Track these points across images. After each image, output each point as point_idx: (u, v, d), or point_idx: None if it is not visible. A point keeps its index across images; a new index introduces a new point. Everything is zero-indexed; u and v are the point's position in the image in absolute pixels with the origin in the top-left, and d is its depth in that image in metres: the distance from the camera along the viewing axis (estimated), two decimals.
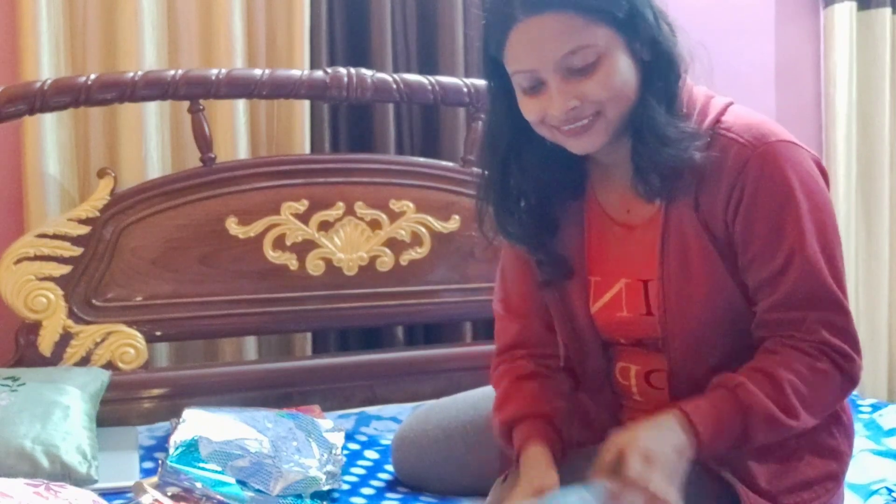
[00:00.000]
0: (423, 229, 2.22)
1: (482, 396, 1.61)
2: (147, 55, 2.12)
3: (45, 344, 1.95)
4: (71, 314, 1.97)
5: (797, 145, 1.23)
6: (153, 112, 2.15)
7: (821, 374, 1.18)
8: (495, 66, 1.25)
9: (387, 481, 1.66)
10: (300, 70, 2.13)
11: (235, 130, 2.20)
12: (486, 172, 1.32)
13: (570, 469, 1.25)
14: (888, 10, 2.84)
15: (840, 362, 1.19)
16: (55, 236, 1.96)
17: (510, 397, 1.33)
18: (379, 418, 1.96)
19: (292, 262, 2.12)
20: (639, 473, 1.08)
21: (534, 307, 1.39)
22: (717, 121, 1.24)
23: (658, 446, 1.11)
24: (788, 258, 1.19)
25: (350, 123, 2.36)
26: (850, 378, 1.21)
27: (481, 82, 2.20)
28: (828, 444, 1.30)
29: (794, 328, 1.20)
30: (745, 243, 1.21)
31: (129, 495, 1.47)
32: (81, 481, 1.55)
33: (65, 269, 1.96)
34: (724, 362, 1.24)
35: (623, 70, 1.20)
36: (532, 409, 1.29)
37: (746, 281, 1.22)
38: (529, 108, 1.23)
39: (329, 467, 1.57)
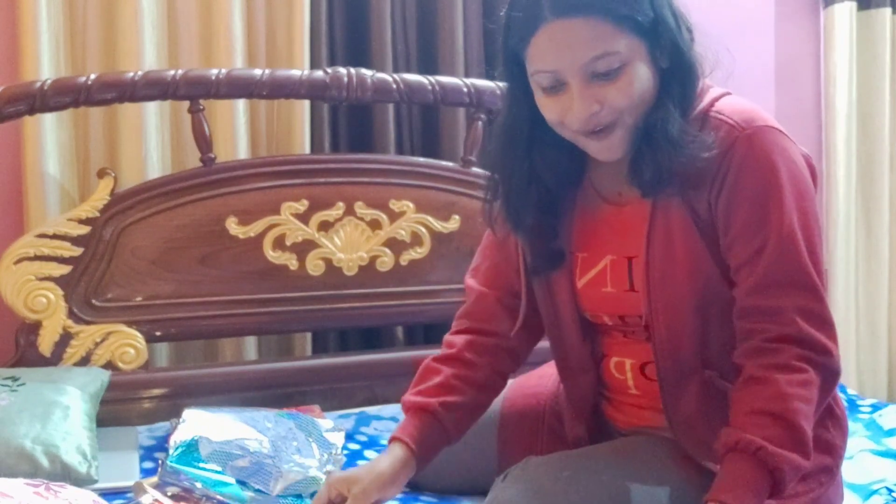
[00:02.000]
0: (423, 229, 2.22)
1: None
2: (147, 55, 2.12)
3: (45, 344, 1.95)
4: (71, 314, 1.97)
5: (785, 134, 1.25)
6: (153, 112, 2.15)
7: (812, 386, 1.19)
8: (516, 60, 1.27)
9: None
10: (300, 70, 2.13)
11: (235, 130, 2.20)
12: (502, 164, 1.35)
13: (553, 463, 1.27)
14: (888, 10, 2.84)
15: (820, 360, 1.20)
16: (55, 236, 1.96)
17: (421, 378, 1.42)
18: (379, 418, 1.96)
19: (292, 262, 2.12)
20: None
21: (497, 282, 1.45)
22: (711, 105, 1.26)
23: None
24: (767, 238, 1.20)
25: (350, 123, 2.36)
26: (832, 372, 1.22)
27: (481, 82, 2.23)
28: (822, 438, 1.31)
29: (770, 319, 1.21)
30: (727, 223, 1.23)
31: (129, 495, 1.47)
32: (81, 481, 1.54)
33: (65, 269, 1.96)
34: (706, 345, 1.27)
35: (643, 78, 1.21)
36: (423, 403, 1.37)
37: (728, 262, 1.25)
38: (549, 109, 1.24)
39: (329, 467, 1.57)
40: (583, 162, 1.36)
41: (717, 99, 1.27)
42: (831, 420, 1.33)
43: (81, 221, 1.98)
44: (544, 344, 2.17)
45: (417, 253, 2.22)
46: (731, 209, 1.23)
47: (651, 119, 1.23)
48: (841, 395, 1.39)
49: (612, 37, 1.17)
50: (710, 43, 1.27)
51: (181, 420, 1.63)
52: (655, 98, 1.23)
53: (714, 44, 1.27)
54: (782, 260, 1.20)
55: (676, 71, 1.24)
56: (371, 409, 2.02)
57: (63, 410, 1.67)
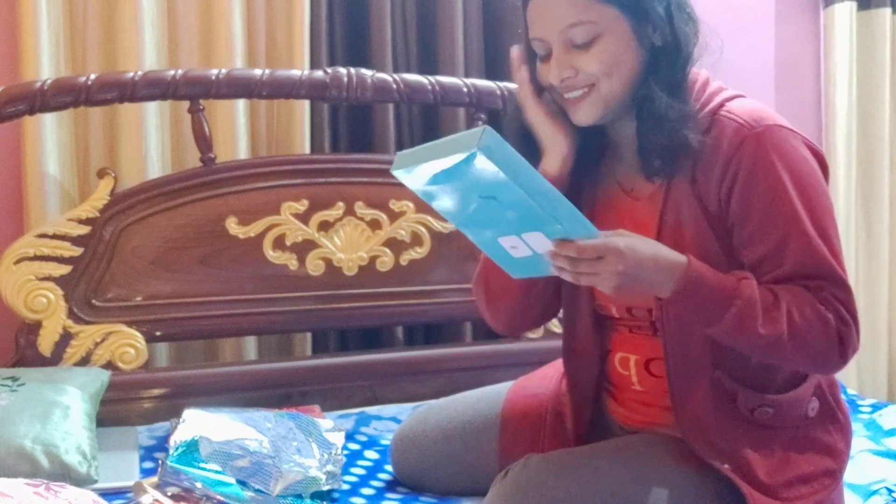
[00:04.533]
0: (423, 229, 2.22)
1: (481, 396, 1.62)
2: (147, 55, 2.12)
3: (45, 344, 1.95)
4: (71, 314, 1.97)
5: (793, 131, 1.29)
6: (153, 112, 2.14)
7: (821, 319, 1.21)
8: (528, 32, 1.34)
9: (387, 481, 1.66)
10: (300, 70, 2.13)
11: (235, 130, 2.20)
12: (516, 132, 1.41)
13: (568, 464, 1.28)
14: (888, 10, 2.84)
15: (840, 324, 1.22)
16: (55, 236, 1.96)
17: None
18: (379, 418, 1.96)
19: (292, 262, 2.12)
20: (606, 249, 1.14)
21: None
22: (721, 105, 1.29)
23: (645, 251, 1.17)
24: (784, 236, 1.23)
25: (350, 123, 2.36)
26: (843, 344, 1.23)
27: (481, 82, 2.24)
28: (824, 442, 1.32)
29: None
30: (742, 221, 1.25)
31: (129, 495, 1.47)
32: (81, 481, 1.54)
33: (65, 269, 1.96)
34: (717, 344, 1.28)
35: (620, 49, 1.26)
36: None
37: (744, 258, 1.26)
38: (543, 74, 1.32)
39: (329, 467, 1.57)
40: (601, 146, 1.40)
41: (728, 100, 1.31)
42: (833, 424, 1.34)
43: (81, 221, 1.98)
44: (545, 344, 2.17)
45: (417, 253, 2.22)
46: (743, 208, 1.24)
47: (636, 98, 1.29)
48: (841, 397, 1.39)
49: (587, 7, 1.25)
50: (707, 31, 1.32)
51: (181, 420, 1.63)
52: (642, 76, 1.28)
53: (709, 32, 1.32)
54: (804, 257, 1.23)
55: (665, 49, 1.28)
56: (371, 409, 2.02)
57: (63, 410, 1.67)
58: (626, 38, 1.26)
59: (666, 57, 1.27)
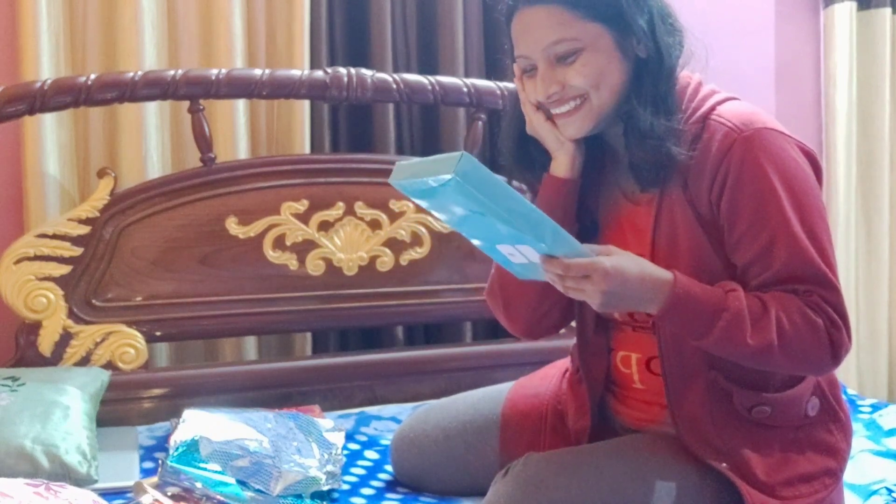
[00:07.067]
0: (423, 229, 2.22)
1: (482, 396, 1.62)
2: (147, 55, 2.12)
3: (45, 344, 1.95)
4: (71, 314, 1.97)
5: (783, 133, 1.28)
6: (153, 112, 2.14)
7: (811, 324, 1.22)
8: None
9: (387, 481, 1.66)
10: (300, 70, 2.13)
11: (235, 130, 2.20)
12: (510, 149, 1.43)
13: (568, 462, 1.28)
14: (888, 10, 2.84)
15: (830, 327, 1.23)
16: (55, 236, 1.96)
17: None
18: (379, 418, 1.96)
19: (292, 262, 2.12)
20: (591, 269, 1.15)
21: None
22: (712, 109, 1.29)
23: (631, 270, 1.18)
24: (772, 238, 1.23)
25: (350, 123, 2.36)
26: (834, 348, 1.23)
27: (481, 82, 2.24)
28: (826, 441, 1.32)
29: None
30: (731, 224, 1.26)
31: (129, 495, 1.47)
32: (81, 481, 1.54)
33: (65, 269, 1.96)
34: None
35: (604, 63, 1.27)
36: None
37: (734, 261, 1.26)
38: (528, 89, 1.33)
39: (329, 467, 1.57)
40: (601, 153, 1.40)
41: (719, 103, 1.30)
42: (835, 423, 1.34)
43: (81, 221, 1.98)
44: (545, 344, 2.17)
45: (417, 253, 2.22)
46: (733, 211, 1.24)
47: (621, 113, 1.29)
48: (842, 396, 1.39)
49: (569, 24, 1.26)
50: (693, 40, 1.33)
51: (181, 420, 1.63)
52: (627, 90, 1.29)
53: (695, 40, 1.33)
54: (793, 259, 1.23)
55: (649, 62, 1.29)
56: (371, 409, 2.02)
57: (63, 410, 1.67)
58: (610, 51, 1.27)
59: (650, 69, 1.28)
